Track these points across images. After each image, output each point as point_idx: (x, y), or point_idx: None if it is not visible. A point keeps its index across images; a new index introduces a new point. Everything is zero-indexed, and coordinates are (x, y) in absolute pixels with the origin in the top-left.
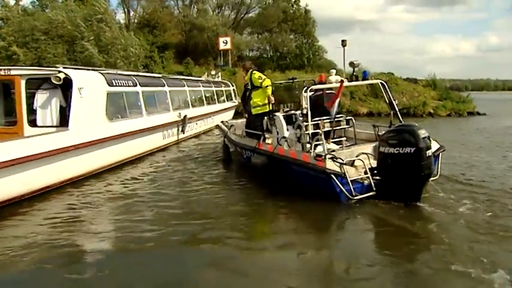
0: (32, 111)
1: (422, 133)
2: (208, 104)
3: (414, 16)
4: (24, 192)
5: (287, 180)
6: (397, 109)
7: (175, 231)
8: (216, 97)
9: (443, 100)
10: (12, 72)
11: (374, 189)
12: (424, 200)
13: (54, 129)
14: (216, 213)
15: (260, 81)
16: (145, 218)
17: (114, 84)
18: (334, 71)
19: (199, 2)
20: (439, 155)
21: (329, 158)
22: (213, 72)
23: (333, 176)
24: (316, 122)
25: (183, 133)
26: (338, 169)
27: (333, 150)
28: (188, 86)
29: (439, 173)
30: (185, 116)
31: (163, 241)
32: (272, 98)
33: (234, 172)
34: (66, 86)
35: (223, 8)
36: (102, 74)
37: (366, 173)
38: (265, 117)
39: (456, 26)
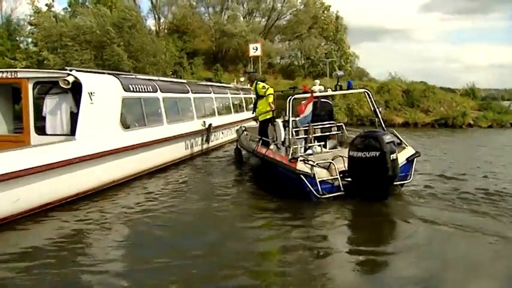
0: (41, 118)
1: (387, 138)
2: (236, 111)
3: (447, 24)
4: (15, 211)
5: (274, 181)
6: (380, 117)
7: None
8: (244, 104)
9: (483, 110)
10: (19, 75)
11: (342, 189)
12: (390, 200)
13: (63, 137)
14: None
15: (264, 90)
16: (156, 242)
17: (131, 89)
18: (318, 81)
19: (229, 8)
20: (413, 160)
21: (301, 161)
22: (242, 79)
23: (302, 176)
24: (306, 128)
25: (208, 143)
26: (308, 170)
27: (311, 154)
28: (215, 93)
29: (411, 177)
30: (210, 125)
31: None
32: (272, 105)
33: (263, 189)
34: (77, 91)
35: (253, 14)
36: (117, 77)
37: (336, 174)
38: (270, 124)
39: (491, 34)
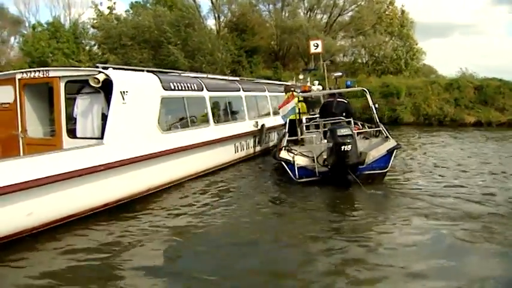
0: (73, 120)
1: (342, 131)
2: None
3: None
4: (36, 224)
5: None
6: (375, 114)
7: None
8: None
9: None
10: (51, 74)
11: (317, 175)
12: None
13: (94, 141)
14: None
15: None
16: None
17: (172, 88)
18: (316, 82)
19: (290, 4)
20: (392, 151)
21: (285, 150)
22: (301, 77)
23: (283, 162)
24: (316, 123)
25: (260, 145)
26: (289, 158)
27: (302, 145)
28: (269, 91)
29: (389, 167)
30: (263, 126)
31: None
32: (296, 109)
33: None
34: (110, 90)
35: (314, 11)
36: (156, 75)
37: (314, 161)
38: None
39: None
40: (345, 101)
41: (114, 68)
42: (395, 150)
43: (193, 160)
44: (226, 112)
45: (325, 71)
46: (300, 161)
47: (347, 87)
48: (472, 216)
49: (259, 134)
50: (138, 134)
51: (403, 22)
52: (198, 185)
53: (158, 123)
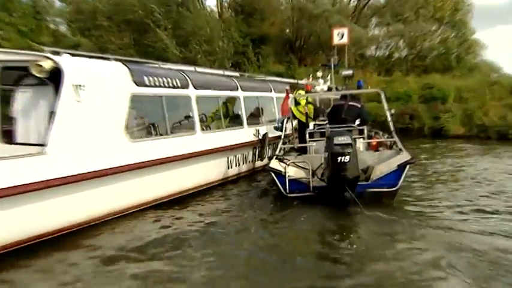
0: (9, 119)
1: (340, 139)
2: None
3: None
4: None
5: None
6: (389, 119)
7: None
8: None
9: None
10: None
11: (311, 190)
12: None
13: (36, 149)
14: None
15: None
16: None
17: (147, 83)
18: (321, 81)
19: None
20: (404, 166)
21: (276, 159)
22: (319, 74)
23: (272, 173)
24: (322, 131)
25: (261, 159)
26: (280, 168)
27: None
28: (277, 92)
29: (399, 185)
30: (265, 135)
31: None
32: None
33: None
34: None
35: None
36: (126, 65)
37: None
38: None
39: None
40: (358, 105)
41: (72, 55)
42: (407, 166)
43: (171, 178)
44: (218, 116)
45: (333, 67)
46: (293, 172)
47: (358, 87)
48: None
49: (261, 145)
50: (97, 142)
51: (458, 5)
52: (174, 212)
53: (126, 128)
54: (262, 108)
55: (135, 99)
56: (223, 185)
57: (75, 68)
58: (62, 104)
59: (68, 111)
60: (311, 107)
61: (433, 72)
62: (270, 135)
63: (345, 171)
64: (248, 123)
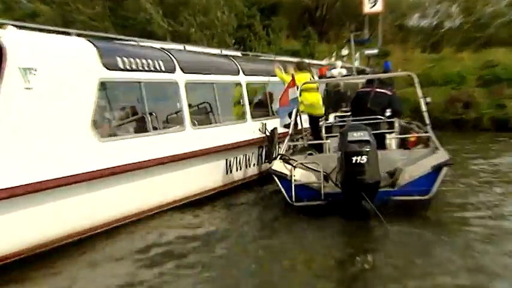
0: None
1: (356, 135)
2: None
3: None
4: None
5: None
6: (424, 109)
7: None
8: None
9: None
10: None
11: (322, 197)
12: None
13: None
14: None
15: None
16: None
17: (121, 66)
18: (339, 63)
19: None
20: (439, 168)
21: (280, 159)
22: (344, 52)
23: (275, 177)
24: (342, 124)
25: (270, 161)
26: (286, 171)
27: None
28: None
29: (433, 191)
30: (274, 130)
31: None
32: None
33: None
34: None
35: None
36: (93, 43)
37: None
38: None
39: None
40: (388, 92)
41: (20, 28)
42: (444, 168)
43: (152, 187)
44: (214, 108)
45: (353, 43)
46: (301, 176)
47: (385, 71)
48: None
49: (269, 143)
50: (53, 142)
51: None
52: (149, 229)
53: (93, 124)
54: (270, 97)
55: (105, 87)
56: (220, 194)
57: (23, 45)
58: (4, 92)
59: (13, 102)
60: (316, 95)
61: (497, 46)
62: (281, 130)
63: (361, 175)
64: (252, 116)
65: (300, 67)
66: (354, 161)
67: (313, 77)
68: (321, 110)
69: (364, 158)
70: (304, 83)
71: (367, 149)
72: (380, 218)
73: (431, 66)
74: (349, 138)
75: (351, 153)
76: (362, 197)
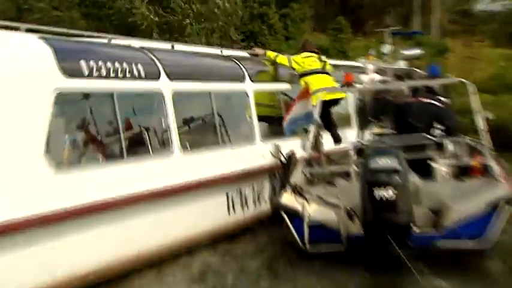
0: None
1: (381, 163)
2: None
3: None
4: None
5: None
6: (481, 125)
7: None
8: None
9: None
10: None
11: (343, 241)
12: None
13: None
14: None
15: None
16: None
17: (85, 72)
18: (371, 66)
19: None
20: (497, 207)
21: (290, 191)
22: (387, 49)
23: (283, 213)
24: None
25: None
26: (297, 206)
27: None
28: None
29: (489, 236)
30: (291, 156)
31: None
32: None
33: None
34: None
35: None
36: (48, 41)
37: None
38: None
39: None
40: (436, 103)
41: None
42: (506, 206)
43: (124, 233)
44: (209, 125)
45: (412, 36)
46: (317, 213)
47: (430, 76)
48: None
49: (284, 171)
50: None
51: None
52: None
53: (47, 151)
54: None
55: (65, 100)
56: (219, 241)
57: None
58: None
59: None
60: (326, 78)
61: None
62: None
63: (387, 214)
64: (262, 137)
65: (305, 47)
66: (376, 196)
67: (321, 59)
68: (334, 94)
69: (390, 191)
70: (316, 91)
71: (396, 182)
72: (411, 269)
73: (507, 66)
74: (372, 165)
75: (373, 184)
76: (388, 240)
